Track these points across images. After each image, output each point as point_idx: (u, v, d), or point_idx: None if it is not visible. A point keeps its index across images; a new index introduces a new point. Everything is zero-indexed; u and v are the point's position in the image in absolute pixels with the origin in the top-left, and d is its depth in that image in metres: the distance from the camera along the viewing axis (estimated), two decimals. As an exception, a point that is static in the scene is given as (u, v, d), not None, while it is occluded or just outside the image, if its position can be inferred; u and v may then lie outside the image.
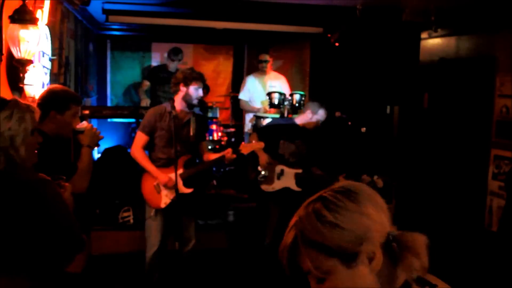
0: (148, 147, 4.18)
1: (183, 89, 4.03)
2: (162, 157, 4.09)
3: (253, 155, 4.66)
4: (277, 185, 4.67)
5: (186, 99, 4.04)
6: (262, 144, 4.25)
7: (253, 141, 4.28)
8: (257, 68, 6.96)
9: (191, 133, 3.98)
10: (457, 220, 5.50)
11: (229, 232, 5.57)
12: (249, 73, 7.70)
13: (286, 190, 4.66)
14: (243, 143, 4.28)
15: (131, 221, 5.36)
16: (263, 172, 4.62)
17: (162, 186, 4.04)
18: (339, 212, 1.12)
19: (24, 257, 1.82)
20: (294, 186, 4.66)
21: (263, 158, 4.61)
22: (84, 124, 2.94)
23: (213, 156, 4.19)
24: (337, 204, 1.13)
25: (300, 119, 4.85)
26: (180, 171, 4.01)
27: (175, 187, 3.96)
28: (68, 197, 2.18)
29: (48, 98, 2.85)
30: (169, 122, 4.03)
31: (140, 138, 4.10)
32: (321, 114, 4.78)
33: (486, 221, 5.28)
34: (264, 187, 4.67)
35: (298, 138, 4.77)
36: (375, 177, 4.54)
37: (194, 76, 4.02)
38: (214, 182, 6.52)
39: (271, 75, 6.83)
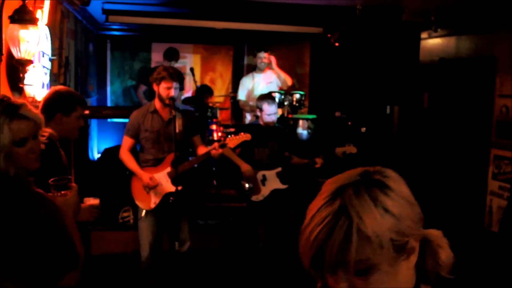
0: (140, 149, 4.19)
1: (156, 88, 3.99)
2: (150, 158, 4.07)
3: (235, 168, 4.62)
4: (265, 191, 4.67)
5: (159, 98, 4.00)
6: (248, 136, 4.15)
7: (241, 134, 4.21)
8: (254, 68, 6.96)
9: (177, 130, 3.86)
10: (457, 220, 5.50)
11: (228, 232, 5.57)
12: (250, 73, 7.70)
13: (275, 191, 4.67)
14: (229, 136, 4.21)
15: (131, 221, 5.36)
16: (247, 185, 4.61)
17: (156, 180, 4.01)
18: (393, 198, 1.01)
19: (12, 272, 1.78)
20: (280, 185, 4.66)
21: (245, 167, 4.57)
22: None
23: (202, 151, 4.11)
24: (391, 188, 1.02)
25: (260, 121, 4.75)
26: (167, 170, 3.98)
27: (155, 187, 3.96)
28: (74, 198, 2.15)
29: (54, 100, 2.82)
30: (152, 122, 4.02)
31: (126, 141, 4.10)
32: (266, 110, 4.59)
33: (486, 221, 5.28)
34: (254, 197, 4.67)
35: (269, 140, 4.72)
36: (347, 145, 4.54)
37: (162, 76, 3.91)
38: (214, 182, 6.52)
39: (267, 74, 6.80)
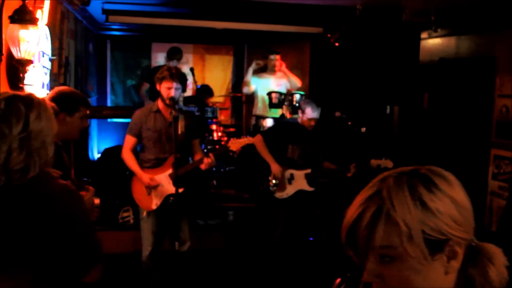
0: (140, 148, 4.16)
1: (158, 87, 3.98)
2: (151, 158, 4.05)
3: (264, 165, 4.62)
4: (290, 190, 4.64)
5: (161, 98, 3.99)
6: (251, 140, 4.18)
7: (243, 137, 4.22)
8: (265, 69, 6.95)
9: (179, 132, 3.85)
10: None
11: (228, 232, 5.57)
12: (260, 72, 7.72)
13: (300, 192, 4.65)
14: (232, 139, 4.20)
15: (131, 221, 5.36)
16: (274, 181, 4.57)
17: (156, 181, 4.00)
18: (436, 194, 0.97)
19: (42, 265, 1.79)
20: (307, 187, 4.65)
21: (276, 168, 4.55)
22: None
23: (199, 156, 4.10)
24: (437, 185, 0.98)
25: (299, 120, 4.82)
26: (169, 171, 3.96)
27: (156, 187, 3.95)
28: (91, 201, 2.17)
29: (57, 100, 2.82)
30: (155, 122, 4.01)
31: (128, 140, 4.07)
32: (308, 113, 4.65)
33: (486, 221, 5.28)
34: (278, 194, 4.63)
35: (304, 140, 4.73)
36: (383, 159, 4.52)
37: (163, 76, 3.90)
38: (214, 182, 6.52)
39: (278, 76, 6.81)
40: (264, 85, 6.75)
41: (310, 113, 4.63)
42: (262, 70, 6.99)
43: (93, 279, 1.94)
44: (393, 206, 0.95)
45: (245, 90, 6.96)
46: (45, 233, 1.77)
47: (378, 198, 0.98)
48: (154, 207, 4.02)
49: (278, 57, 6.69)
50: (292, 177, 4.65)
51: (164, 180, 4.00)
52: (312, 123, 4.67)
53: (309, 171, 4.64)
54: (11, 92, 1.89)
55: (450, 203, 0.98)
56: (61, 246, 1.79)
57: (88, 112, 2.96)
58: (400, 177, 1.00)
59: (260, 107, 6.82)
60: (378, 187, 1.00)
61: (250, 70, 6.88)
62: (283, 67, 6.81)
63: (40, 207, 1.78)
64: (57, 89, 2.93)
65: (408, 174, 1.00)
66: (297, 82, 6.82)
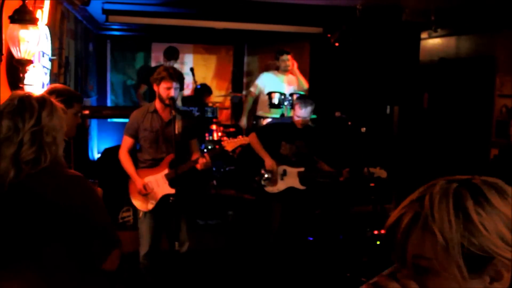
0: (138, 149, 4.15)
1: (156, 88, 3.97)
2: (148, 158, 4.03)
3: (257, 159, 4.64)
4: (281, 185, 4.66)
5: (160, 99, 3.97)
6: (247, 140, 4.21)
7: (239, 137, 4.24)
8: (270, 67, 6.94)
9: (176, 132, 3.84)
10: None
11: (228, 232, 5.57)
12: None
13: (291, 189, 4.66)
14: (227, 139, 4.19)
15: (131, 221, 5.36)
16: (266, 175, 4.60)
17: (149, 187, 3.98)
18: (484, 207, 0.89)
19: (58, 253, 1.83)
20: (298, 185, 4.66)
21: (269, 163, 4.59)
22: None
23: (196, 156, 4.08)
24: (487, 198, 0.89)
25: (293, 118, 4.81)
26: (165, 171, 3.96)
27: (147, 195, 3.94)
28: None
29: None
30: (152, 122, 3.99)
31: (125, 140, 4.06)
32: (296, 111, 4.65)
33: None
34: (269, 189, 4.66)
35: (298, 138, 4.75)
36: (378, 168, 4.50)
37: (162, 76, 3.89)
38: (214, 182, 6.52)
39: (290, 77, 6.79)
40: (276, 84, 6.71)
41: (298, 111, 4.65)
42: (276, 69, 6.97)
43: (112, 266, 1.98)
44: (432, 214, 0.89)
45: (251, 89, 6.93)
46: (60, 219, 1.82)
47: (419, 204, 0.92)
48: (150, 207, 4.00)
49: (289, 57, 6.64)
50: (284, 173, 4.67)
51: (160, 180, 3.97)
52: (301, 121, 4.66)
53: (302, 169, 4.66)
54: (25, 92, 1.96)
55: (500, 219, 0.89)
56: (76, 232, 1.85)
57: (83, 110, 2.98)
58: (449, 184, 0.93)
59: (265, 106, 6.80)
60: (423, 192, 0.94)
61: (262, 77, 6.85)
62: (295, 67, 6.76)
63: (52, 194, 1.83)
64: (51, 86, 2.95)
65: (459, 182, 0.93)
66: (305, 84, 6.78)
